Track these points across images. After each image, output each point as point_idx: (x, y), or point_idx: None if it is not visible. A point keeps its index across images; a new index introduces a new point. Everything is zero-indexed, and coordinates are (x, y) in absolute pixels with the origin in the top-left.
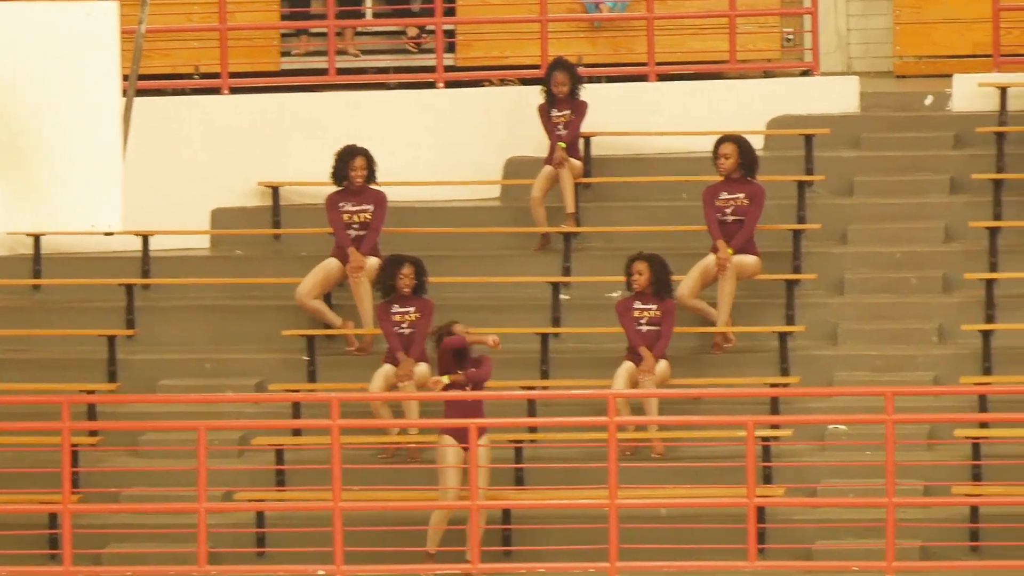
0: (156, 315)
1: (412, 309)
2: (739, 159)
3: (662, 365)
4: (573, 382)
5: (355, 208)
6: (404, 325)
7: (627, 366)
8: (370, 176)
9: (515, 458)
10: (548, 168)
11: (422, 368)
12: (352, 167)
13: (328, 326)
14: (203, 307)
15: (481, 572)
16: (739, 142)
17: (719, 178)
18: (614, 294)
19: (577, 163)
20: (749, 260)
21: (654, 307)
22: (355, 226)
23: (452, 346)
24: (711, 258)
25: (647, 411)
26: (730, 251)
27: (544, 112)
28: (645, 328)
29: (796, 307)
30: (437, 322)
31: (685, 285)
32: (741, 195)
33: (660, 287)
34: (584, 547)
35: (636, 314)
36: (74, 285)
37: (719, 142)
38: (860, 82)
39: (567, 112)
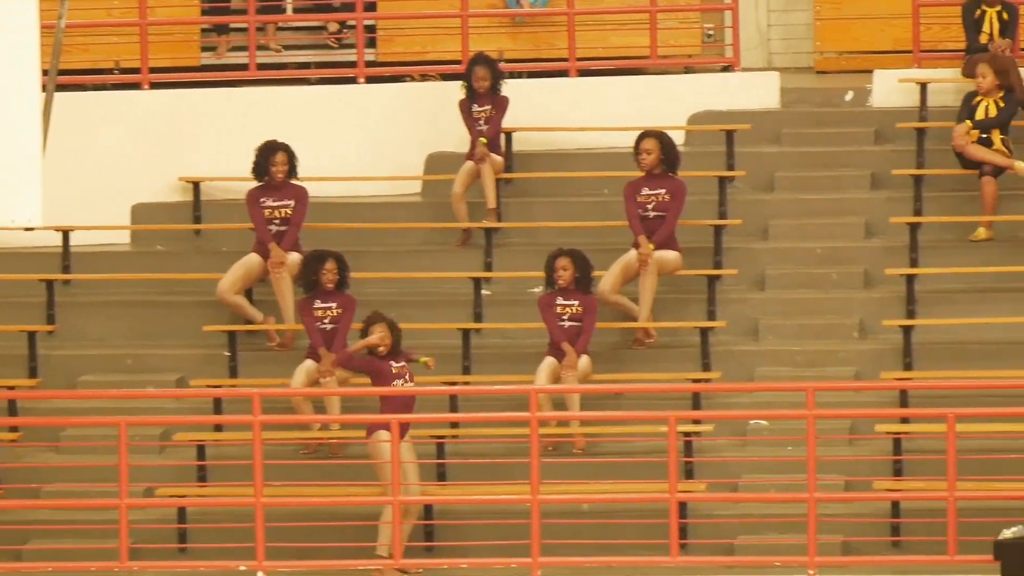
0: (77, 311)
1: (334, 305)
2: (660, 155)
3: (584, 360)
4: (495, 378)
5: (276, 204)
6: (326, 321)
7: (549, 362)
8: (291, 172)
9: (437, 453)
10: (469, 164)
11: None
12: (273, 162)
13: (249, 322)
14: (124, 303)
15: (403, 567)
16: (660, 138)
17: (640, 174)
18: (535, 289)
19: (498, 159)
20: (670, 256)
21: (576, 303)
22: (276, 222)
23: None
24: (632, 254)
25: (569, 406)
26: (651, 247)
27: (465, 107)
28: (567, 324)
29: (717, 303)
30: (359, 318)
31: (606, 281)
32: (662, 191)
33: (582, 283)
34: (506, 542)
35: (559, 310)
36: None
37: (640, 138)
38: (781, 78)
39: (488, 107)
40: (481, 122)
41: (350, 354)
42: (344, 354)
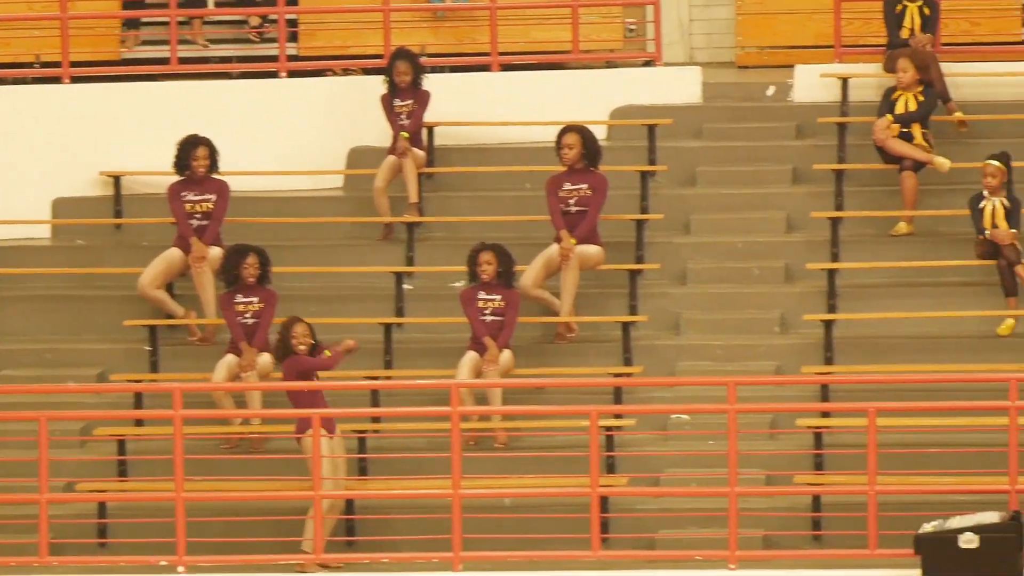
0: None
1: (256, 299)
2: (582, 149)
3: (506, 355)
4: (416, 372)
5: (197, 198)
6: (247, 315)
7: (471, 356)
8: (212, 166)
9: (358, 448)
10: (391, 158)
11: (264, 358)
12: (194, 156)
13: (170, 316)
14: (44, 297)
15: (324, 561)
16: (582, 132)
17: (562, 168)
18: (457, 284)
19: (420, 153)
20: (592, 250)
21: (499, 297)
22: (197, 216)
23: (303, 369)
24: (554, 248)
25: (491, 401)
26: (573, 241)
27: (387, 102)
28: (489, 318)
29: (639, 297)
30: (280, 313)
31: (528, 275)
32: (584, 185)
33: (504, 277)
34: (428, 537)
35: (480, 304)
36: None
37: (562, 132)
38: (702, 72)
39: (410, 102)
40: (403, 116)
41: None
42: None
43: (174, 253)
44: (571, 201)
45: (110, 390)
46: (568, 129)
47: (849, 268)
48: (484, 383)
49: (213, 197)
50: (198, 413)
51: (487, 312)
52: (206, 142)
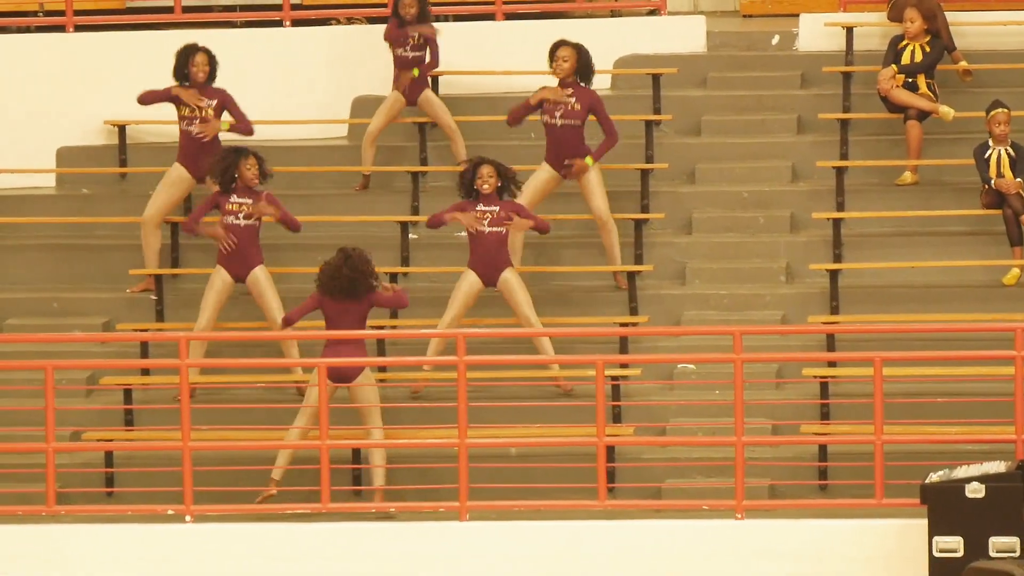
0: (2, 254)
1: (250, 200)
2: (576, 64)
3: (515, 278)
4: (422, 322)
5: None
6: (240, 215)
7: (470, 280)
8: (212, 73)
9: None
10: (392, 97)
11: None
12: (192, 63)
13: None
14: (49, 246)
15: (331, 511)
16: (578, 48)
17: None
18: (461, 234)
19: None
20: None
21: (497, 208)
22: (196, 121)
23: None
24: (544, 172)
25: (542, 349)
26: (590, 159)
27: (391, 34)
28: (488, 229)
29: (644, 246)
30: (284, 263)
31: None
32: (572, 100)
33: (504, 192)
34: (434, 486)
35: (478, 214)
36: None
37: (557, 45)
38: (707, 22)
39: (414, 35)
40: (407, 49)
41: (192, 220)
42: (188, 222)
43: (178, 172)
44: (557, 114)
45: (116, 339)
46: (564, 43)
47: (854, 217)
48: (491, 332)
49: (214, 102)
50: (203, 362)
51: (486, 223)
52: (204, 49)
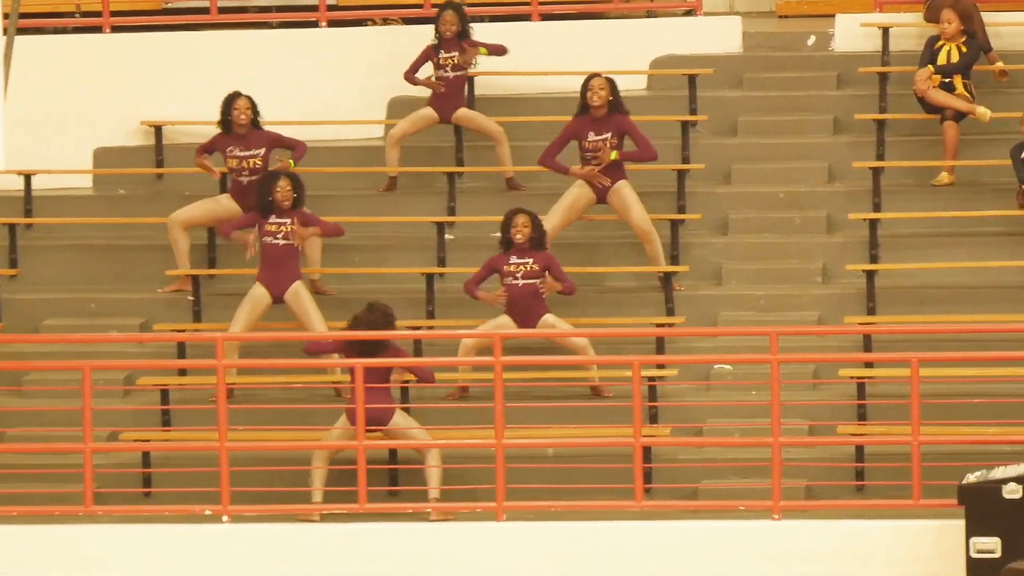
0: (39, 255)
1: (288, 220)
2: (609, 96)
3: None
4: (458, 322)
5: (244, 153)
6: (279, 236)
7: (503, 319)
8: (255, 117)
9: (401, 398)
10: (425, 111)
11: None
12: (235, 106)
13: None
14: (86, 247)
15: (367, 511)
16: (610, 80)
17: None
18: (497, 234)
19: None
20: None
21: (531, 260)
22: (245, 172)
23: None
24: (575, 193)
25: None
26: (615, 154)
27: (430, 54)
28: (521, 282)
29: (680, 247)
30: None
31: (548, 223)
32: (608, 135)
33: (537, 242)
34: (471, 487)
35: (512, 268)
36: None
37: (590, 77)
38: (743, 22)
39: (455, 54)
40: (447, 69)
41: (229, 226)
42: (224, 227)
43: (225, 201)
44: (596, 151)
45: (153, 339)
46: (596, 74)
47: (890, 218)
48: (527, 333)
49: (262, 151)
50: (240, 363)
51: (519, 276)
52: (244, 95)
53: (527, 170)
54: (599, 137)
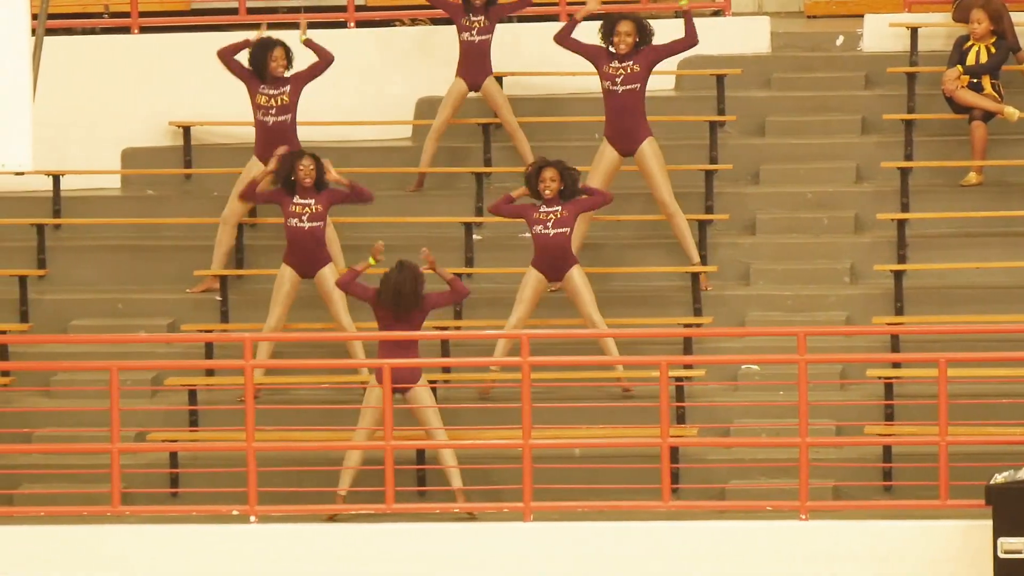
0: (67, 255)
1: (313, 200)
2: (636, 39)
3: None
4: (486, 322)
5: (274, 92)
6: (304, 217)
7: (534, 276)
8: (289, 66)
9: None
10: (456, 84)
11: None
12: (272, 58)
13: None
14: (114, 247)
15: (395, 511)
16: (639, 22)
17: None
18: (525, 235)
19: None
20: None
21: (559, 207)
22: (272, 111)
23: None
24: (605, 154)
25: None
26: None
27: (457, 13)
28: (552, 231)
29: (708, 247)
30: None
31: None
32: (630, 62)
33: (567, 196)
34: (498, 487)
35: (541, 216)
36: None
37: (619, 19)
38: (771, 22)
39: (481, 18)
40: (473, 33)
41: (255, 184)
42: (250, 185)
43: (254, 166)
44: (618, 79)
45: (181, 340)
46: (624, 16)
47: (919, 218)
48: (556, 333)
49: (288, 89)
50: (268, 363)
51: (550, 224)
52: (280, 43)
53: None
54: (621, 64)
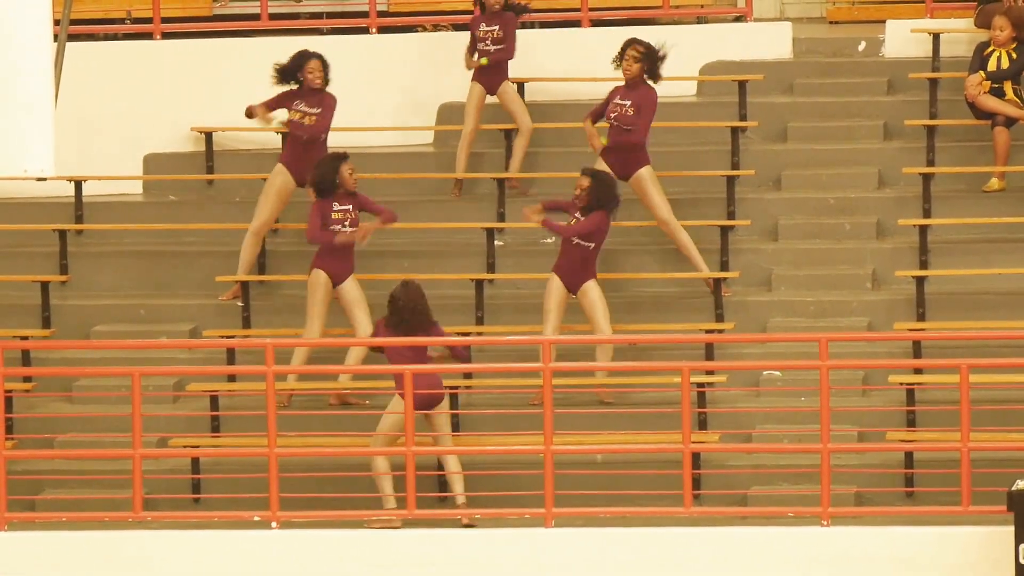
0: (89, 261)
1: (351, 207)
2: (644, 64)
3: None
4: (508, 328)
5: (309, 109)
6: (346, 223)
7: (556, 285)
8: (326, 79)
9: (450, 405)
10: (474, 88)
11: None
12: (309, 69)
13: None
14: (137, 253)
15: (416, 518)
16: (647, 47)
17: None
18: (548, 240)
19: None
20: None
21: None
22: (303, 127)
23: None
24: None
25: (598, 357)
26: (604, 139)
27: (474, 23)
28: (576, 242)
29: (730, 253)
30: (373, 270)
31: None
32: (628, 103)
33: (598, 207)
34: (519, 493)
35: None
36: (7, 231)
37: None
38: (793, 28)
39: (496, 27)
40: (487, 42)
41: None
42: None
43: (282, 180)
44: (612, 116)
45: (203, 345)
46: (635, 41)
47: (941, 224)
48: (576, 339)
49: (318, 111)
50: (290, 369)
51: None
52: (317, 55)
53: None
54: (621, 102)
